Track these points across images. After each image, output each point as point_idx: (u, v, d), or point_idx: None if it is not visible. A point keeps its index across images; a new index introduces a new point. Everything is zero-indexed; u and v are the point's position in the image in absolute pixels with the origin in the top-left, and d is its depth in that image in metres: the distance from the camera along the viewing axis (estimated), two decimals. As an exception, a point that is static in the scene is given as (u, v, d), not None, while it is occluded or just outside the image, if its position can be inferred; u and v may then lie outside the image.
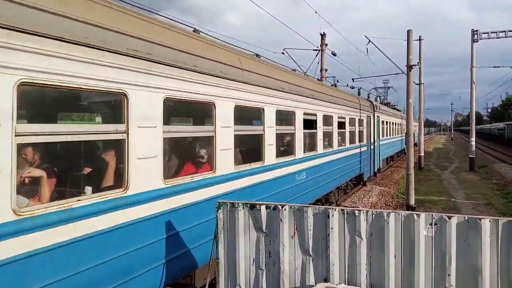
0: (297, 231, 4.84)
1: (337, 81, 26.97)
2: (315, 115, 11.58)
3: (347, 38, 25.24)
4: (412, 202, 15.27)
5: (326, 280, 4.69)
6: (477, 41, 27.91)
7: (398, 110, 41.23)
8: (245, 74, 7.23)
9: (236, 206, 5.09)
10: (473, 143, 28.88)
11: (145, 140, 5.03)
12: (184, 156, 6.43)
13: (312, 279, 4.76)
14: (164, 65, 5.29)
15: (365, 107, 19.42)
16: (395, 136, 32.47)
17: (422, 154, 31.14)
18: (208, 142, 6.45)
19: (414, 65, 15.29)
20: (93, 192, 4.50)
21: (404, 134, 36.50)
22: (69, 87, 4.04)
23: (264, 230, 4.98)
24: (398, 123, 34.69)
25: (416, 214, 4.35)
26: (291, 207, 4.90)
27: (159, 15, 7.22)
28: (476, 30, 27.92)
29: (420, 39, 24.92)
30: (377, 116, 22.22)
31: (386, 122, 26.99)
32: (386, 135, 27.35)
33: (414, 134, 46.88)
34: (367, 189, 19.95)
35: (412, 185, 15.41)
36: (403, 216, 4.41)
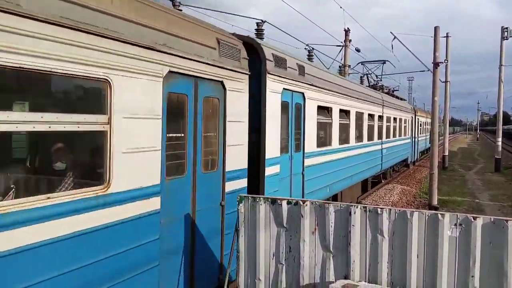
0: (318, 227, 4.84)
1: (361, 77, 26.59)
2: None
3: (371, 34, 24.88)
4: (435, 202, 15.01)
5: (346, 277, 4.68)
6: (507, 39, 27.13)
7: (401, 99, 28.90)
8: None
9: (257, 200, 5.12)
10: (500, 143, 28.15)
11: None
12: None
13: (332, 276, 4.76)
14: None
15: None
16: (380, 141, 18.01)
17: (446, 153, 30.53)
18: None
19: (440, 62, 14.96)
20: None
21: (410, 136, 28.09)
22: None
23: (284, 225, 4.99)
24: (394, 118, 21.19)
25: (441, 214, 4.28)
26: (312, 203, 4.90)
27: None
28: (506, 27, 27.12)
29: (447, 36, 24.31)
30: (287, 90, 8.52)
31: (348, 112, 12.93)
32: (353, 141, 13.61)
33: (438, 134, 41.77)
34: (389, 188, 19.70)
35: (435, 184, 15.15)
36: (427, 215, 4.35)
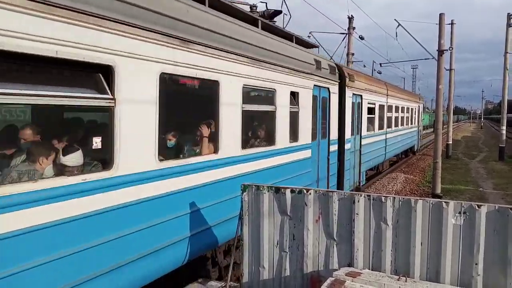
0: (321, 216, 4.85)
1: (364, 66, 26.31)
2: None
3: (376, 21, 24.63)
4: (438, 190, 15.01)
5: (349, 264, 4.70)
6: (513, 26, 26.79)
7: (307, 44, 10.17)
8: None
9: (261, 189, 5.12)
10: (504, 131, 27.98)
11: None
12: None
13: (335, 263, 4.78)
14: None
15: None
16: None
17: (450, 142, 30.43)
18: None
19: (445, 50, 14.82)
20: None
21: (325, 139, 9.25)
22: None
23: (288, 214, 5.00)
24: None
25: (445, 202, 4.28)
26: (316, 191, 4.90)
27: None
28: (513, 14, 26.78)
29: (452, 23, 24.07)
30: None
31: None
32: None
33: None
34: (392, 177, 19.69)
35: (439, 173, 15.13)
36: (432, 203, 4.35)
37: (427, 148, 35.07)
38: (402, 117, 21.81)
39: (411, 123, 24.89)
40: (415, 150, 29.26)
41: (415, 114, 26.23)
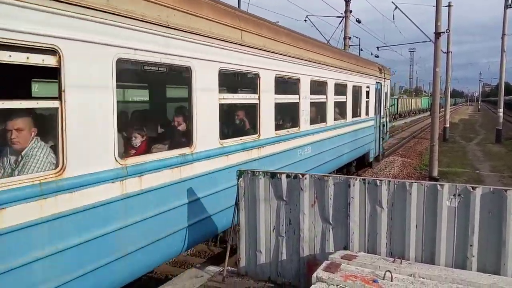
0: (317, 200, 4.86)
1: (361, 49, 26.11)
2: None
3: (373, 4, 24.38)
4: (435, 173, 15.06)
5: (345, 248, 4.73)
6: (510, 7, 26.56)
7: None
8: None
9: (257, 174, 5.12)
10: (501, 114, 28.01)
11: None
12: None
13: (331, 247, 4.81)
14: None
15: None
16: None
17: (447, 125, 30.46)
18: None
19: (442, 32, 14.69)
20: None
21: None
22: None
23: (284, 199, 5.01)
24: None
25: (440, 185, 4.29)
26: (311, 176, 4.90)
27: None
28: (510, -5, 26.53)
29: (449, 5, 23.88)
30: None
31: None
32: None
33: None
34: (389, 160, 19.74)
35: (436, 156, 15.16)
36: (426, 186, 4.36)
37: (424, 132, 35.08)
38: (323, 104, 10.32)
39: (359, 114, 13.38)
40: (370, 158, 15.88)
41: (368, 97, 14.46)
